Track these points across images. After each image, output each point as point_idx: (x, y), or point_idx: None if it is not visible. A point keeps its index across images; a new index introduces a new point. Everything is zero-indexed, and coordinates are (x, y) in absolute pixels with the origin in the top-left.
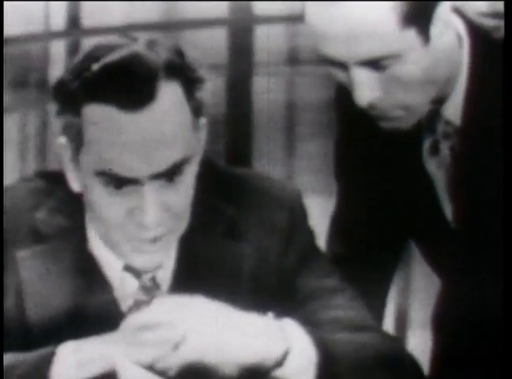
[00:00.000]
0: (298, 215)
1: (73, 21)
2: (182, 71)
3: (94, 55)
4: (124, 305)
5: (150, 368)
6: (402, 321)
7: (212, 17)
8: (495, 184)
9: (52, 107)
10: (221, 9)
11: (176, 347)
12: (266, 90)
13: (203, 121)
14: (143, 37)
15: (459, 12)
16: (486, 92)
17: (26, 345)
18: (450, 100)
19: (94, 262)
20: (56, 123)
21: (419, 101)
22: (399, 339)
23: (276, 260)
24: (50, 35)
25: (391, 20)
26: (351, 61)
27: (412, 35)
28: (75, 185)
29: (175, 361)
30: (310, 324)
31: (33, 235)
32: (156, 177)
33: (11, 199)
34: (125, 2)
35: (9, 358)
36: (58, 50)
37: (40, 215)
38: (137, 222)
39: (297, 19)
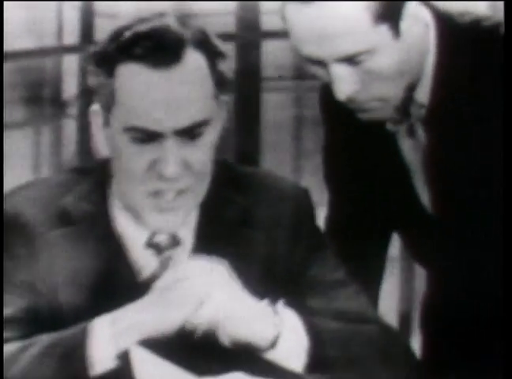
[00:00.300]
0: (305, 210)
1: (86, 36)
2: (207, 44)
3: (129, 25)
4: (144, 282)
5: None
6: (406, 321)
7: (219, 32)
8: (468, 166)
9: (89, 70)
10: (229, 25)
11: (199, 305)
12: (274, 105)
13: (225, 97)
14: (173, 12)
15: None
16: (453, 74)
17: (58, 321)
18: (421, 85)
19: (118, 240)
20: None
21: (394, 91)
22: (397, 332)
23: (284, 251)
24: (63, 50)
25: (364, 18)
26: (329, 59)
27: (384, 30)
28: (103, 149)
29: (199, 321)
30: (315, 313)
31: (63, 219)
32: (179, 132)
33: (44, 188)
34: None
35: (45, 338)
36: (71, 65)
37: (68, 201)
38: (158, 173)
39: None
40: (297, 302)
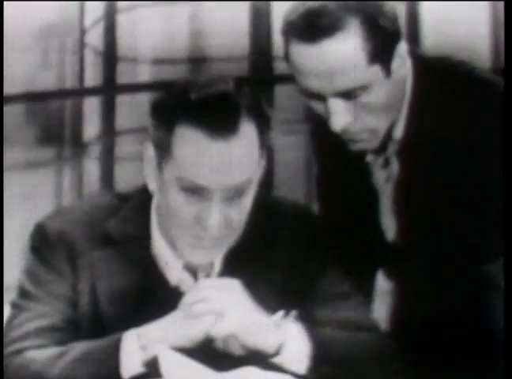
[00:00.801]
0: (318, 233)
1: (108, 79)
2: (259, 112)
3: (193, 85)
4: (179, 299)
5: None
6: None
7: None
8: (433, 198)
9: (150, 123)
10: (242, 69)
11: (219, 317)
12: (286, 147)
13: (263, 162)
14: (232, 78)
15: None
16: (425, 114)
17: (98, 334)
18: (398, 124)
19: (156, 262)
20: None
21: (382, 124)
22: (392, 341)
23: (299, 268)
24: (84, 92)
25: (360, 58)
26: (328, 93)
27: (377, 69)
28: (153, 185)
29: (219, 331)
30: (322, 322)
31: (106, 240)
32: (225, 191)
33: (88, 210)
34: (155, 59)
35: (81, 345)
36: (92, 107)
37: (112, 224)
38: (202, 222)
39: None
40: (306, 313)
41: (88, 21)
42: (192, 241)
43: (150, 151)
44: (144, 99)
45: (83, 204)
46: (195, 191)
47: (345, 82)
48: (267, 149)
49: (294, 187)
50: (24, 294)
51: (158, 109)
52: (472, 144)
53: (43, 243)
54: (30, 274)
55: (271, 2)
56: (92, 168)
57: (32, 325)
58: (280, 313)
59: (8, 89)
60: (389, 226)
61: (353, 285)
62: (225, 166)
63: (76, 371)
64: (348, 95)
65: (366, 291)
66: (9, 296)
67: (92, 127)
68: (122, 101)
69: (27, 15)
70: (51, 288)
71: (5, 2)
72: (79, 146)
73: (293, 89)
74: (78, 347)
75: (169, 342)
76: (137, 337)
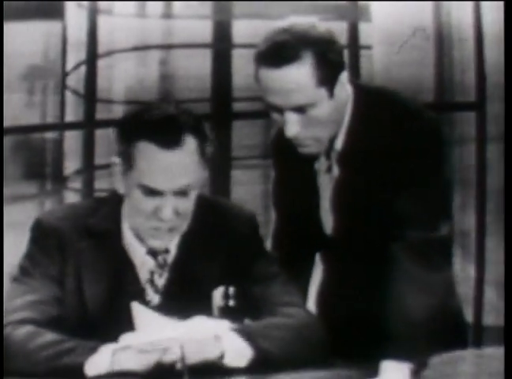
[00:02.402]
0: (252, 228)
1: (88, 116)
2: (200, 130)
3: (146, 108)
4: (143, 278)
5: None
6: None
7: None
8: (366, 198)
9: (115, 139)
10: (205, 108)
11: (165, 352)
12: (245, 181)
13: (206, 173)
14: (176, 103)
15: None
16: (359, 131)
17: (80, 309)
18: (339, 138)
19: (125, 250)
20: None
21: (324, 134)
22: (315, 316)
23: (238, 254)
24: (66, 126)
25: (311, 82)
26: (285, 107)
27: (323, 91)
28: (121, 189)
29: (167, 360)
30: (257, 298)
31: (88, 233)
32: (175, 192)
33: (74, 210)
34: (128, 100)
35: (54, 335)
36: (72, 143)
37: (92, 220)
38: (158, 216)
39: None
40: (243, 290)
41: (69, 65)
42: (152, 232)
43: (117, 161)
44: None
45: (71, 205)
46: (152, 192)
47: (298, 99)
48: (207, 160)
49: None
50: (22, 271)
51: (120, 127)
52: (396, 155)
53: (39, 234)
54: (28, 256)
55: (232, 50)
56: (73, 200)
57: (24, 299)
58: (221, 289)
59: None
60: (327, 220)
61: (296, 267)
62: (173, 172)
63: (43, 352)
64: (299, 109)
65: (305, 273)
66: None
67: (72, 163)
68: (101, 138)
69: (13, 57)
70: (44, 269)
71: None
72: (60, 180)
73: (251, 127)
74: (51, 334)
75: (130, 365)
76: (111, 354)
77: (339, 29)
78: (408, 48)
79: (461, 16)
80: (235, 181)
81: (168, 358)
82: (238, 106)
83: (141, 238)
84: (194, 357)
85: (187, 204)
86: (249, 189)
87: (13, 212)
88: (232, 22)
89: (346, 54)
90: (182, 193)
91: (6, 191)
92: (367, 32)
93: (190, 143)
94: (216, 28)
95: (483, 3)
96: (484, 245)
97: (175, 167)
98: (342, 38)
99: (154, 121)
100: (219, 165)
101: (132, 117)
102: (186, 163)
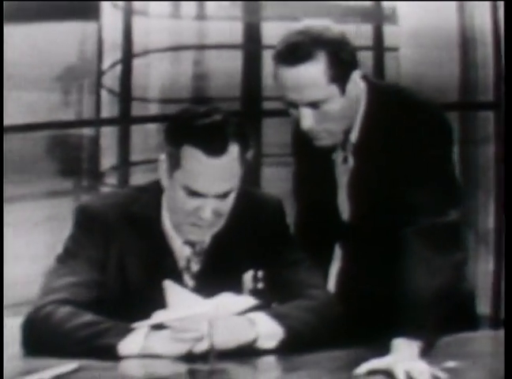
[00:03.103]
0: (279, 215)
1: (124, 112)
2: (244, 138)
3: (196, 114)
4: (180, 264)
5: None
6: None
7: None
8: (380, 186)
9: (163, 140)
10: (235, 106)
11: (198, 341)
12: (274, 179)
13: (243, 172)
14: (223, 110)
15: (363, 75)
16: (373, 124)
17: (122, 292)
18: (353, 130)
19: (165, 236)
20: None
21: (337, 128)
22: (334, 296)
23: (266, 241)
24: (101, 122)
25: (323, 79)
26: (300, 103)
27: (335, 88)
28: (165, 183)
29: (199, 349)
30: (284, 281)
31: (130, 219)
32: (216, 195)
33: (117, 197)
34: (163, 99)
35: (90, 316)
36: (108, 140)
37: (134, 208)
38: (198, 215)
39: None
40: (271, 274)
41: (105, 64)
42: (190, 228)
43: (164, 159)
44: (156, 133)
45: (113, 193)
46: (195, 193)
47: (312, 95)
48: (247, 163)
49: None
50: (66, 251)
51: (169, 131)
52: (407, 146)
53: (84, 218)
54: (73, 239)
55: (262, 51)
56: None
57: (66, 280)
58: (251, 272)
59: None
60: (344, 208)
61: (317, 254)
62: (216, 178)
63: (80, 332)
64: (313, 104)
65: (326, 259)
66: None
67: (108, 159)
68: (136, 134)
69: (50, 57)
70: (87, 252)
71: (29, 47)
72: (96, 176)
73: (280, 125)
74: (87, 315)
75: (162, 350)
76: (144, 336)
77: (365, 32)
78: (433, 49)
79: (483, 17)
80: (264, 178)
81: (199, 347)
82: (267, 105)
83: (178, 231)
84: (229, 343)
85: (226, 205)
86: (278, 185)
87: (50, 207)
88: (262, 24)
89: (371, 55)
90: (223, 196)
91: (43, 186)
92: (394, 34)
93: (234, 151)
94: (246, 30)
95: (499, 4)
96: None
97: (219, 173)
98: (368, 40)
99: (202, 128)
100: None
101: (181, 122)
102: (229, 169)
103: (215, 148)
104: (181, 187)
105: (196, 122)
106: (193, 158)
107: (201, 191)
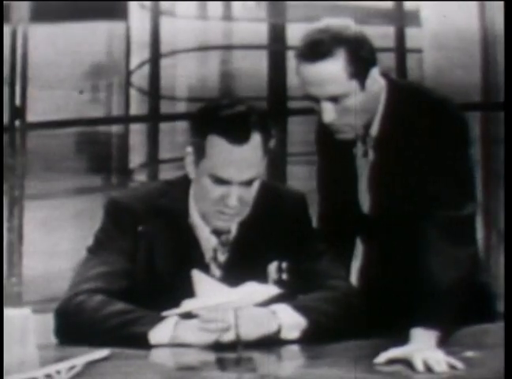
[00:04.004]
0: (302, 208)
1: (153, 111)
2: (266, 126)
3: (220, 105)
4: (207, 255)
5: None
6: None
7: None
8: (400, 179)
9: (190, 130)
10: (262, 106)
11: (224, 332)
12: (300, 177)
13: (265, 161)
14: (246, 102)
15: (383, 72)
16: (393, 119)
17: (151, 283)
18: (373, 125)
19: (192, 228)
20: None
21: (358, 122)
22: (355, 287)
23: (290, 232)
24: (130, 119)
25: (343, 75)
26: (321, 97)
27: (354, 84)
28: (192, 175)
29: (225, 339)
30: (307, 271)
31: (159, 212)
32: (241, 183)
33: (147, 190)
34: (190, 97)
35: (122, 304)
36: (137, 138)
37: (163, 201)
38: (224, 202)
39: None
40: (294, 265)
41: (133, 64)
42: (217, 215)
43: (190, 150)
44: (183, 131)
45: (143, 186)
46: (220, 181)
47: (332, 90)
48: (269, 152)
49: None
50: (97, 243)
51: (194, 122)
52: (425, 141)
53: (115, 211)
54: (104, 230)
55: (286, 51)
56: None
57: (98, 270)
58: (275, 263)
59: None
60: (365, 201)
61: (339, 246)
62: (241, 165)
63: (112, 321)
64: (334, 99)
65: (347, 251)
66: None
67: (137, 156)
68: (165, 132)
69: (79, 56)
70: (117, 243)
71: (58, 46)
72: (125, 173)
73: (305, 124)
74: (119, 304)
75: (191, 339)
76: (173, 325)
77: (387, 33)
78: (456, 51)
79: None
80: (290, 176)
81: (227, 337)
82: (293, 104)
83: (206, 220)
84: (253, 333)
85: (250, 193)
86: (304, 183)
87: (79, 204)
88: (286, 25)
89: (393, 57)
90: (247, 183)
91: (72, 184)
92: (417, 36)
93: (256, 139)
94: (271, 31)
95: None
96: None
97: (243, 161)
98: (390, 42)
99: (226, 118)
100: (275, 161)
101: (206, 112)
102: (252, 156)
103: (238, 136)
104: (207, 176)
105: (220, 113)
106: (218, 146)
107: (227, 178)
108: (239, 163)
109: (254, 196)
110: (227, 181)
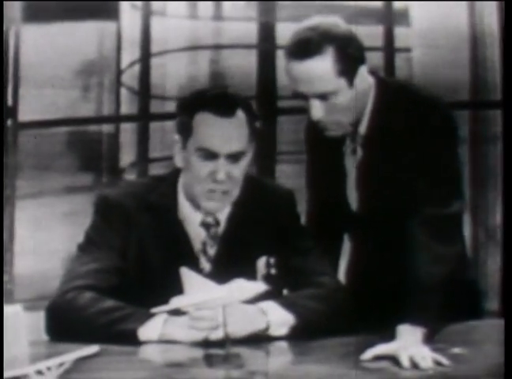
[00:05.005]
0: (290, 205)
1: (143, 110)
2: (249, 108)
3: (205, 89)
4: (196, 248)
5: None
6: None
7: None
8: (388, 177)
9: (177, 114)
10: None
11: (217, 327)
12: (289, 175)
13: (253, 143)
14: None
15: (372, 71)
16: (382, 117)
17: (141, 285)
18: (362, 123)
19: (181, 223)
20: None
21: (346, 120)
22: (342, 284)
23: (278, 228)
24: (120, 119)
25: (332, 73)
26: (310, 94)
27: (343, 81)
28: (180, 163)
29: (214, 337)
30: (295, 267)
31: (148, 208)
32: (228, 155)
33: (137, 186)
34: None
35: (112, 302)
36: (127, 137)
37: (152, 196)
38: (213, 178)
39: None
40: (282, 260)
41: (123, 63)
42: (207, 194)
43: (176, 138)
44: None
45: (131, 183)
46: (208, 155)
47: (321, 87)
48: (256, 131)
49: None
50: (87, 240)
51: (183, 103)
52: (413, 139)
53: (105, 208)
54: (94, 227)
55: (276, 50)
56: None
57: (88, 267)
58: (264, 258)
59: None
60: (353, 198)
61: (327, 243)
62: (228, 137)
63: (102, 318)
64: (322, 96)
65: (335, 248)
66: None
67: (127, 155)
68: (155, 132)
69: (69, 55)
70: (108, 240)
71: (50, 46)
72: (116, 172)
73: (294, 123)
74: (110, 301)
75: (179, 336)
76: (163, 322)
77: (376, 33)
78: (444, 50)
79: (493, 17)
80: (279, 174)
81: (215, 335)
82: (282, 103)
83: (196, 205)
84: (242, 331)
85: (238, 170)
86: (293, 182)
87: (69, 203)
88: (276, 24)
89: (382, 56)
90: (234, 157)
91: (63, 182)
92: (405, 35)
93: (241, 116)
94: (261, 30)
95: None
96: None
97: (230, 133)
98: (379, 41)
99: (212, 96)
100: (264, 159)
101: (194, 94)
102: (239, 130)
103: (225, 109)
104: (195, 152)
105: (207, 94)
106: (205, 121)
107: (213, 150)
108: (226, 134)
109: (242, 175)
110: (214, 155)
